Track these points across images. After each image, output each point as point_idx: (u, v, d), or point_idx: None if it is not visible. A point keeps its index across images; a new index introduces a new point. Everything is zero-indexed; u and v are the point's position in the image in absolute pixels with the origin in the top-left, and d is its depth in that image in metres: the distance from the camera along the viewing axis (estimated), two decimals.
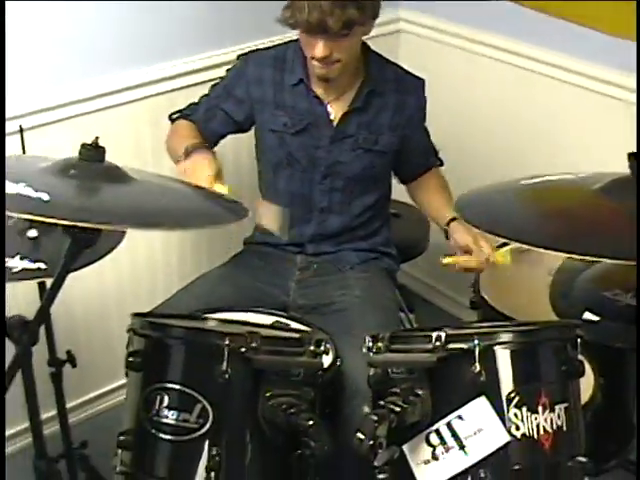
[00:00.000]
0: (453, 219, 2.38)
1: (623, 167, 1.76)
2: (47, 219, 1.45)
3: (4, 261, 1.92)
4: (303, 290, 2.45)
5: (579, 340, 1.77)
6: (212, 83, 2.52)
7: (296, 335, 1.87)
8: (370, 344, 1.83)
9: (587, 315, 2.15)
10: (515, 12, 2.81)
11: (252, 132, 2.51)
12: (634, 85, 2.58)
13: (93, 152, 1.68)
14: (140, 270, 2.91)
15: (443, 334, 1.71)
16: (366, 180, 2.44)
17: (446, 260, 2.36)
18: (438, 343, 1.71)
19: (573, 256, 1.61)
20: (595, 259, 1.60)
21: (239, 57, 2.48)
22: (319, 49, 2.19)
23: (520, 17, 2.81)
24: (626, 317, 1.94)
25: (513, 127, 2.98)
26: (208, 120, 2.47)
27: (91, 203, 1.61)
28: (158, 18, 2.66)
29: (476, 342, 1.69)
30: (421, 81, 2.45)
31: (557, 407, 1.72)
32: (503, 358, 1.71)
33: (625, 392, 2.26)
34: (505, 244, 2.49)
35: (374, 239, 2.54)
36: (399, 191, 2.66)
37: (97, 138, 1.69)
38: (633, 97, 2.60)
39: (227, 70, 2.50)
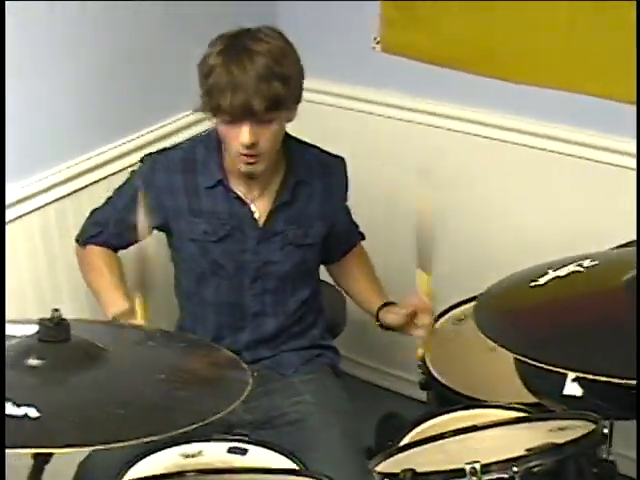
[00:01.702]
0: (381, 307, 2.29)
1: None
2: (47, 449, 1.18)
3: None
4: (248, 404, 2.21)
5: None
6: (115, 187, 2.29)
7: None
8: None
9: (569, 390, 2.03)
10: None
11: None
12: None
13: (56, 331, 1.40)
14: None
15: (477, 465, 1.55)
16: (298, 276, 2.27)
17: (420, 353, 2.25)
18: (474, 478, 1.55)
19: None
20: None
21: (143, 159, 2.25)
22: (245, 135, 2.01)
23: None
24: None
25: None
26: (120, 234, 2.24)
27: (87, 412, 1.31)
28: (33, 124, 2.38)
29: (515, 469, 1.55)
30: (342, 160, 2.31)
31: None
32: None
33: None
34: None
35: (311, 333, 2.35)
36: None
37: (57, 311, 1.41)
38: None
39: (131, 172, 2.26)
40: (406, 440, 2.07)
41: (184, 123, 2.70)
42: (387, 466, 1.80)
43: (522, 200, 2.70)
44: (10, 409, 1.26)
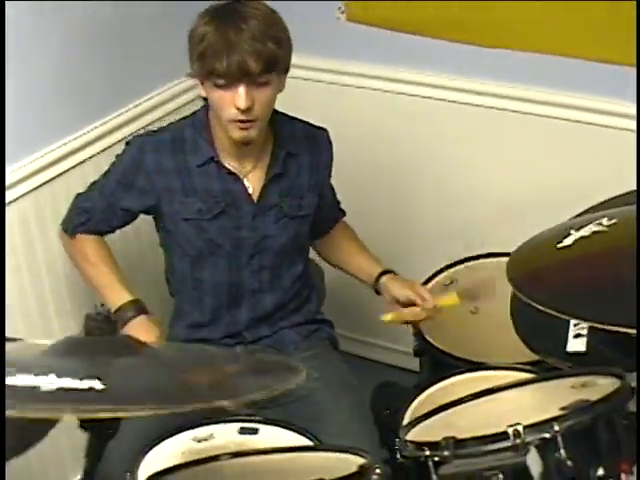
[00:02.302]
0: (383, 273, 2.30)
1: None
2: (124, 413, 1.21)
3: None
4: None
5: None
6: (103, 172, 2.23)
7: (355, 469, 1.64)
8: (428, 452, 1.65)
9: (573, 346, 2.06)
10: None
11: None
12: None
13: (103, 324, 1.38)
14: None
15: (520, 427, 1.57)
16: (293, 250, 2.27)
17: (389, 317, 2.27)
18: (519, 440, 1.57)
19: None
20: None
21: (128, 142, 2.21)
22: (241, 98, 1.98)
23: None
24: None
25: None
26: (108, 219, 2.22)
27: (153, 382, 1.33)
28: None
29: (557, 428, 1.57)
30: (326, 132, 2.31)
31: (634, 468, 1.65)
32: (584, 438, 1.60)
33: None
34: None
35: (307, 307, 2.36)
36: None
37: (102, 305, 1.39)
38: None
39: (117, 157, 2.21)
40: (412, 408, 2.09)
41: (167, 96, 2.70)
42: (414, 435, 1.81)
43: (505, 164, 2.71)
44: (72, 383, 1.25)
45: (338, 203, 2.45)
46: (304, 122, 2.27)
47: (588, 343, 2.02)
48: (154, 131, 2.21)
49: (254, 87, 1.99)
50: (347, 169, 2.41)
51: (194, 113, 2.20)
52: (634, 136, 2.42)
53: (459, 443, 1.63)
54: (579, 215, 2.14)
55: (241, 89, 1.98)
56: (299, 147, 2.21)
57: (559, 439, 1.57)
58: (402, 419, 2.02)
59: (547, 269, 1.69)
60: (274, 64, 2.00)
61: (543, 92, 2.58)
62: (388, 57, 2.73)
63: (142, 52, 2.57)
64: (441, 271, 2.50)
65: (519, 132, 2.63)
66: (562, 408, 1.65)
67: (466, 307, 2.43)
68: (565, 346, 2.05)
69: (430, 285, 2.44)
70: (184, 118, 2.20)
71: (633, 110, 2.40)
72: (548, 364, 2.04)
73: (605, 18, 2.35)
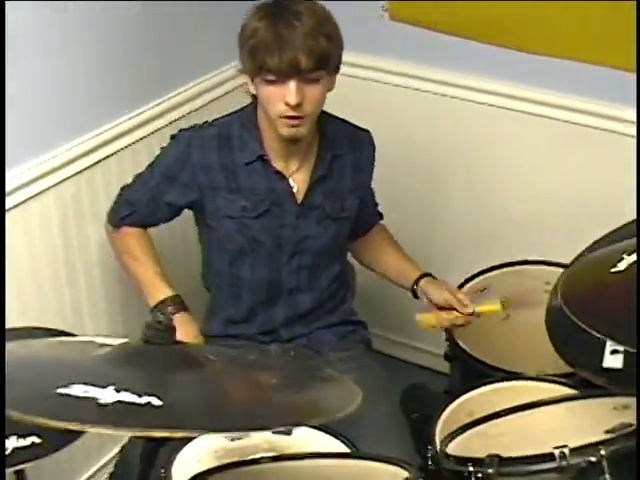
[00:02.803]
0: (421, 277, 2.29)
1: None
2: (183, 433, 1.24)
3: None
4: None
5: None
6: (148, 164, 2.22)
7: None
8: (471, 468, 1.65)
9: (609, 362, 2.06)
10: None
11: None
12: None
13: (163, 334, 1.37)
14: None
15: (566, 450, 1.58)
16: (333, 251, 2.27)
17: (424, 317, 2.26)
18: (564, 463, 1.57)
19: None
20: None
21: (174, 137, 2.19)
22: (292, 95, 1.97)
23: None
24: None
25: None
26: (152, 212, 2.22)
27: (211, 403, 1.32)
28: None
29: (602, 452, 1.58)
30: (369, 134, 2.29)
31: None
32: (627, 462, 1.61)
33: None
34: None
35: (342, 308, 2.35)
36: None
37: (163, 314, 1.39)
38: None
39: (161, 149, 2.20)
40: (444, 416, 2.08)
41: (201, 89, 2.67)
42: (452, 446, 1.82)
43: (538, 169, 2.70)
44: (130, 397, 1.24)
45: (376, 205, 2.44)
46: (347, 123, 2.26)
47: (625, 360, 2.01)
48: (201, 126, 2.19)
49: (305, 83, 1.98)
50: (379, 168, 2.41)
51: (242, 109, 2.18)
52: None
53: (503, 461, 1.63)
54: (617, 230, 2.13)
55: (292, 85, 1.97)
56: (343, 149, 2.21)
57: (604, 463, 1.58)
58: (434, 427, 2.01)
59: (599, 291, 1.68)
60: (326, 61, 1.99)
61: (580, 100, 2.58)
62: (427, 57, 2.71)
63: (187, 39, 2.56)
64: (474, 277, 2.49)
65: (552, 138, 2.63)
66: (607, 431, 1.65)
67: (500, 314, 2.43)
68: (601, 361, 2.05)
69: (464, 289, 2.43)
70: (231, 114, 2.19)
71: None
72: (579, 376, 2.05)
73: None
